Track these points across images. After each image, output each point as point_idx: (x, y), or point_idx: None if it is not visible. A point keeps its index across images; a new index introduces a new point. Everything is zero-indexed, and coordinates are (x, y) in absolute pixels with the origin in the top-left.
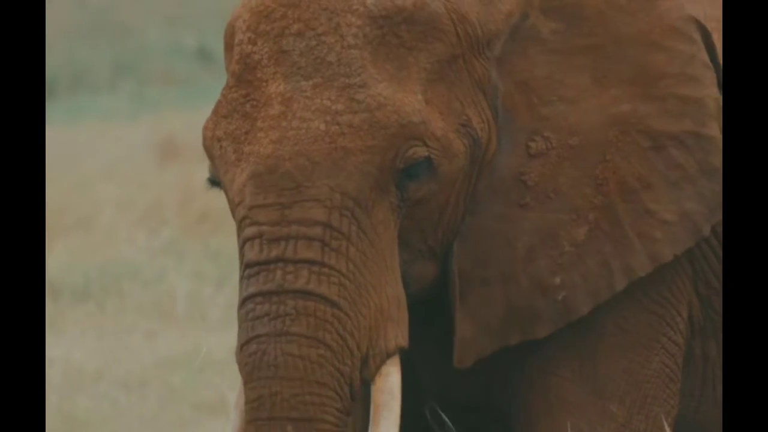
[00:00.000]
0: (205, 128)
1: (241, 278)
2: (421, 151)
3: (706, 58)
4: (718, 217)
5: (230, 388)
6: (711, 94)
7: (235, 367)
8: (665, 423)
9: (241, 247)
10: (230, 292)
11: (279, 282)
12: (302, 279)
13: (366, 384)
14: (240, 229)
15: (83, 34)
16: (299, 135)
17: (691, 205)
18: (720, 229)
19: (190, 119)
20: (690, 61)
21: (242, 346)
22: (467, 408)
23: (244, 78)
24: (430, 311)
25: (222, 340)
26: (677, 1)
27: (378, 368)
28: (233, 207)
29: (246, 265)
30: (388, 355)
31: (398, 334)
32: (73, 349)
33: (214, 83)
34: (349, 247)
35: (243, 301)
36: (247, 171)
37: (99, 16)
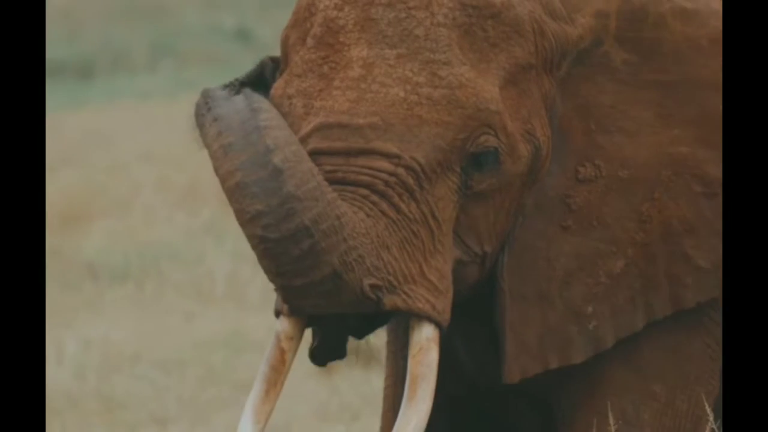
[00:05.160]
0: (276, 87)
1: None
2: (493, 141)
3: None
4: None
5: None
6: None
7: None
8: (706, 403)
9: None
10: None
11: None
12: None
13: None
14: None
15: (121, 15)
16: (377, 98)
17: None
18: None
19: None
20: None
21: None
22: (509, 392)
23: (325, 41)
24: (478, 308)
25: (261, 320)
26: None
27: (393, 306)
28: None
29: None
30: (411, 310)
31: (435, 304)
32: (111, 331)
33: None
34: (410, 201)
35: None
36: (315, 122)
37: None
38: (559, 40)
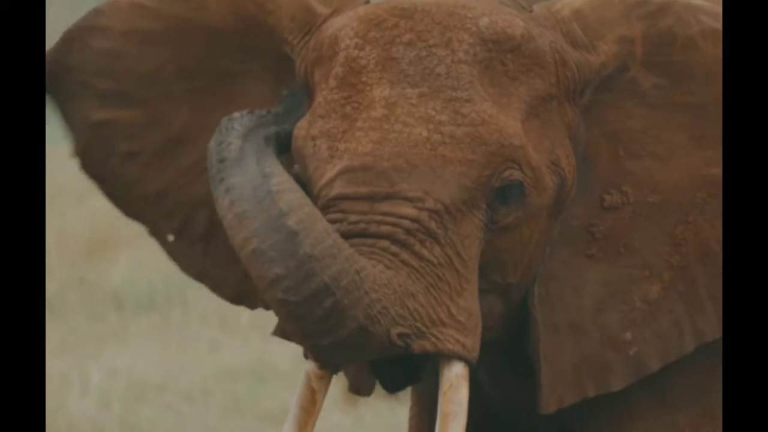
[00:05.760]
0: (299, 128)
1: None
2: (517, 174)
3: None
4: None
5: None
6: None
7: (300, 378)
8: None
9: None
10: None
11: (362, 227)
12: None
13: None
14: None
15: None
16: (400, 138)
17: None
18: None
19: None
20: None
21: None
22: (534, 422)
23: (347, 81)
24: (503, 340)
25: (286, 350)
26: None
27: (422, 350)
28: (314, 203)
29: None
30: (441, 352)
31: (465, 343)
32: (137, 360)
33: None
34: (434, 246)
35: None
36: (339, 166)
37: None
38: (582, 69)
